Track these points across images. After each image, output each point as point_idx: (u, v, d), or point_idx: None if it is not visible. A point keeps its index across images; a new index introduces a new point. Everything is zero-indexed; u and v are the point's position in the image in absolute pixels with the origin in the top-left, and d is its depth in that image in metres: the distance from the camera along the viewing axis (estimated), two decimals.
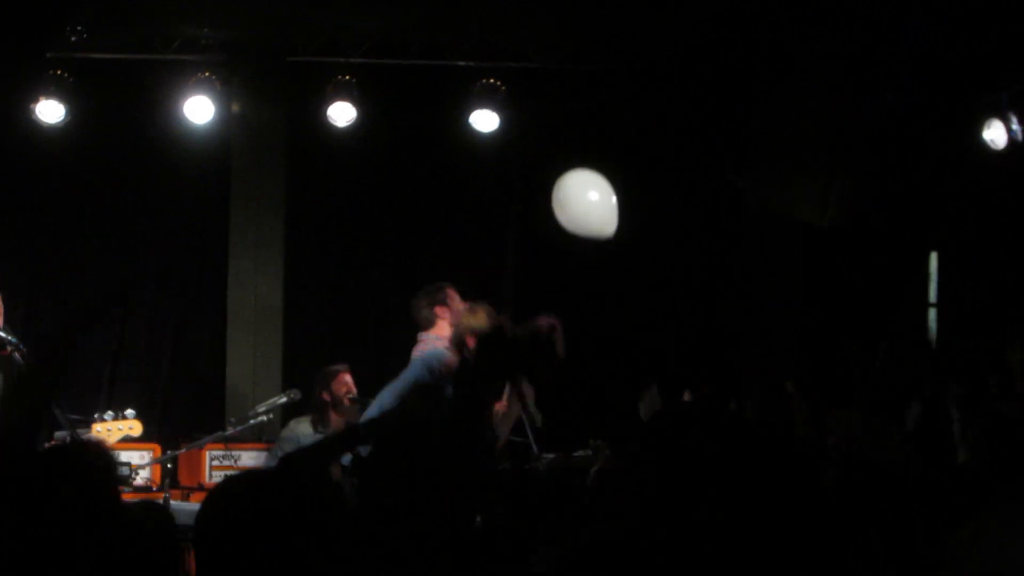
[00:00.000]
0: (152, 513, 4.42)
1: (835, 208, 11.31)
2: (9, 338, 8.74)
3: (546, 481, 7.62)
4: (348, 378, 9.91)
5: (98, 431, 9.15)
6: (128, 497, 8.22)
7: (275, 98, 11.73)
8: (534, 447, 8.36)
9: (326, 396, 9.90)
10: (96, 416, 9.24)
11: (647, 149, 11.80)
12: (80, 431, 9.00)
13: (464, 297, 9.09)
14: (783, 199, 11.51)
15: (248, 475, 4.38)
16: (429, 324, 9.19)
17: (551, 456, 8.33)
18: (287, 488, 3.75)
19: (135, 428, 9.32)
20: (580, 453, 8.43)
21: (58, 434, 9.68)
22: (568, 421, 9.39)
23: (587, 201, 8.80)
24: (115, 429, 9.23)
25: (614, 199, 8.73)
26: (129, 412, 9.34)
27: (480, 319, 8.56)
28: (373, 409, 8.37)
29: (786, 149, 11.37)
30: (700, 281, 12.03)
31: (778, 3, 10.27)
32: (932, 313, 12.09)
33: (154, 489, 9.71)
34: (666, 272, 11.96)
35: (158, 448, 10.34)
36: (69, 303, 11.68)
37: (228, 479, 4.16)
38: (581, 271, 11.80)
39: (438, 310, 9.38)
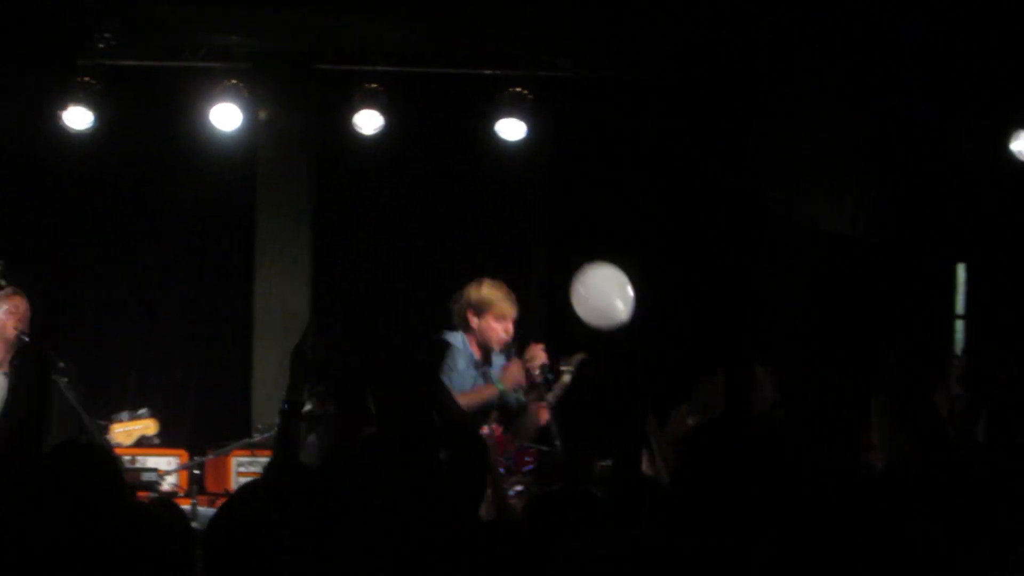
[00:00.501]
0: (166, 511, 4.43)
1: (860, 219, 11.29)
2: None
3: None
4: None
5: (117, 432, 9.18)
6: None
7: (302, 106, 11.75)
8: (558, 444, 8.40)
9: None
10: (113, 417, 9.28)
11: (671, 157, 11.80)
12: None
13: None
14: (807, 209, 11.48)
15: (256, 484, 4.41)
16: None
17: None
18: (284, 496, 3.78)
19: (150, 427, 9.36)
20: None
21: (84, 438, 9.72)
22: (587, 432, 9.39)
23: (605, 300, 8.98)
24: (132, 430, 9.26)
25: (630, 295, 8.89)
26: (142, 411, 9.37)
27: (486, 295, 8.59)
28: None
29: (810, 159, 11.35)
30: (721, 293, 11.98)
31: (802, 11, 10.25)
32: (959, 325, 12.03)
33: (181, 495, 9.73)
34: (687, 283, 11.93)
35: (185, 454, 10.35)
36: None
37: (243, 487, 4.18)
38: None
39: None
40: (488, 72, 11.45)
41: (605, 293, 9.08)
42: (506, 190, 12.12)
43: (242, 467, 10.35)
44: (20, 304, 8.82)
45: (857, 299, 11.52)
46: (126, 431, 9.21)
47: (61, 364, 8.78)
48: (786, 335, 11.53)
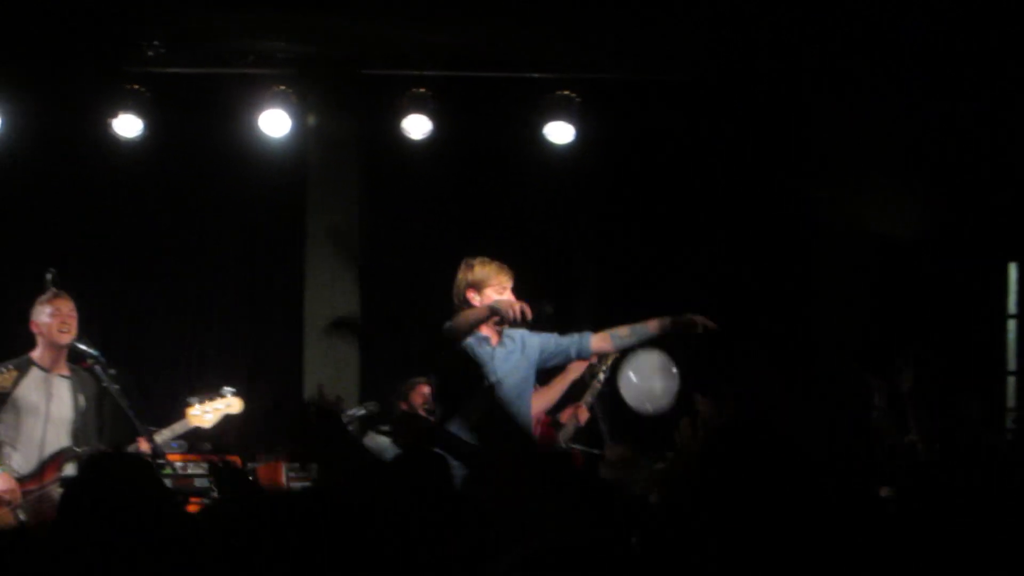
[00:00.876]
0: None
1: (910, 220, 11.23)
2: (89, 351, 8.82)
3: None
4: (426, 390, 9.93)
5: (194, 414, 9.18)
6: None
7: (350, 111, 11.77)
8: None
9: (404, 407, 9.94)
10: (190, 400, 9.27)
11: (719, 160, 11.78)
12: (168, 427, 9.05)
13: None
14: (856, 211, 11.44)
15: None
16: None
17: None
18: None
19: (233, 405, 9.32)
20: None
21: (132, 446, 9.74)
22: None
23: (651, 385, 9.01)
24: (212, 410, 9.24)
25: (675, 383, 8.92)
26: (227, 389, 9.36)
27: (479, 273, 8.55)
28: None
29: (858, 160, 11.30)
30: (770, 294, 11.94)
31: (849, 13, 10.21)
32: (1012, 325, 11.96)
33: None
34: (738, 285, 11.90)
35: (238, 460, 10.39)
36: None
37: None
38: (654, 283, 11.79)
39: (402, 405, 9.64)
40: (536, 75, 11.45)
41: (651, 379, 9.09)
42: (554, 193, 12.11)
43: (294, 472, 10.39)
44: (63, 306, 8.86)
45: (907, 301, 11.47)
46: (203, 412, 9.16)
47: (112, 371, 8.82)
48: (835, 337, 11.49)
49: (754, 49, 10.96)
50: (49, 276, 9.11)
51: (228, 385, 9.23)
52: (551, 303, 8.26)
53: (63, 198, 11.69)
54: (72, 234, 11.66)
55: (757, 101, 11.55)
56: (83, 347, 8.85)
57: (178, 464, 9.78)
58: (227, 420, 9.30)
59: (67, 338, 8.87)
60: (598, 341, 8.39)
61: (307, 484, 10.12)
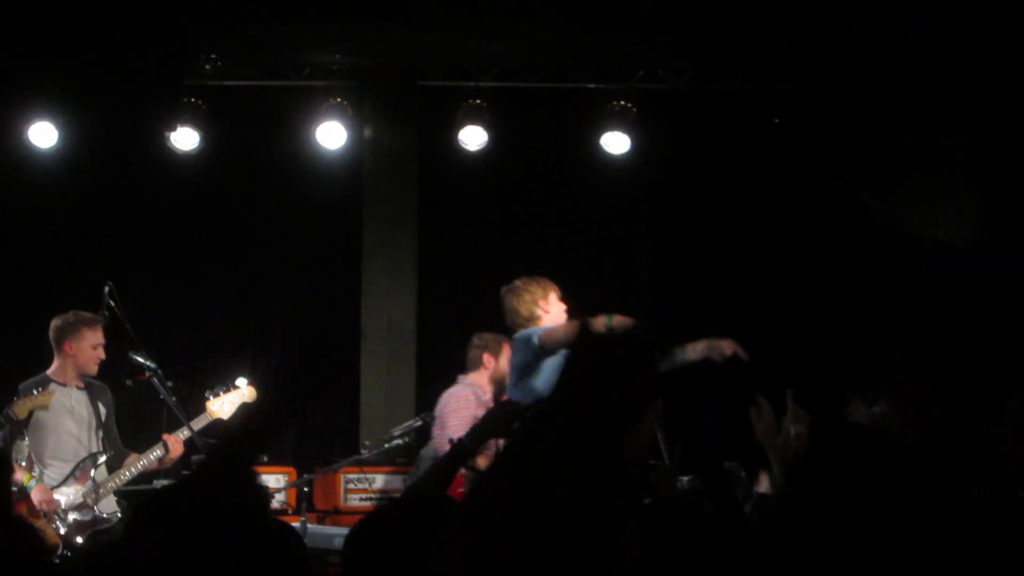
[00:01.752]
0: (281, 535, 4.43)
1: (972, 225, 11.13)
2: (147, 363, 8.88)
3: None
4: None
5: (213, 409, 9.23)
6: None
7: (406, 122, 11.78)
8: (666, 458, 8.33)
9: (489, 360, 9.89)
10: (207, 395, 9.33)
11: (776, 167, 11.72)
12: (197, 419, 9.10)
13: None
14: (915, 216, 11.34)
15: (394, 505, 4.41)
16: (474, 365, 9.45)
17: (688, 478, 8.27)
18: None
19: (248, 394, 9.39)
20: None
21: (195, 458, 9.79)
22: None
23: None
24: (228, 402, 9.30)
25: None
26: (240, 380, 9.42)
27: (541, 287, 8.66)
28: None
29: (918, 165, 11.21)
30: (826, 301, 11.86)
31: (905, 18, 10.14)
32: None
33: (290, 512, 9.78)
34: (795, 292, 11.83)
35: (294, 471, 10.42)
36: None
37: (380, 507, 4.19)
38: (712, 290, 11.74)
39: (486, 357, 9.61)
40: (592, 86, 11.42)
41: None
42: (610, 204, 12.07)
43: (351, 484, 10.41)
44: (102, 336, 8.99)
45: (963, 306, 11.36)
46: (221, 405, 9.22)
47: (169, 384, 8.88)
48: (893, 343, 11.41)
49: (808, 55, 10.91)
50: (107, 289, 9.16)
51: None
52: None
53: (120, 211, 11.75)
54: (129, 247, 11.72)
55: (812, 107, 11.48)
56: (140, 360, 8.91)
57: None
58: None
59: (95, 370, 9.05)
60: None
61: (364, 496, 10.16)
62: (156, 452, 8.96)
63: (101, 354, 9.06)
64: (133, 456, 9.07)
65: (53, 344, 9.16)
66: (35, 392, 8.69)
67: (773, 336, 11.52)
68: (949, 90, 10.76)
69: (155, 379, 8.87)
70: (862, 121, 11.39)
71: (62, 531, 8.68)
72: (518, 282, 8.84)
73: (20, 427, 8.66)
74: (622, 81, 11.38)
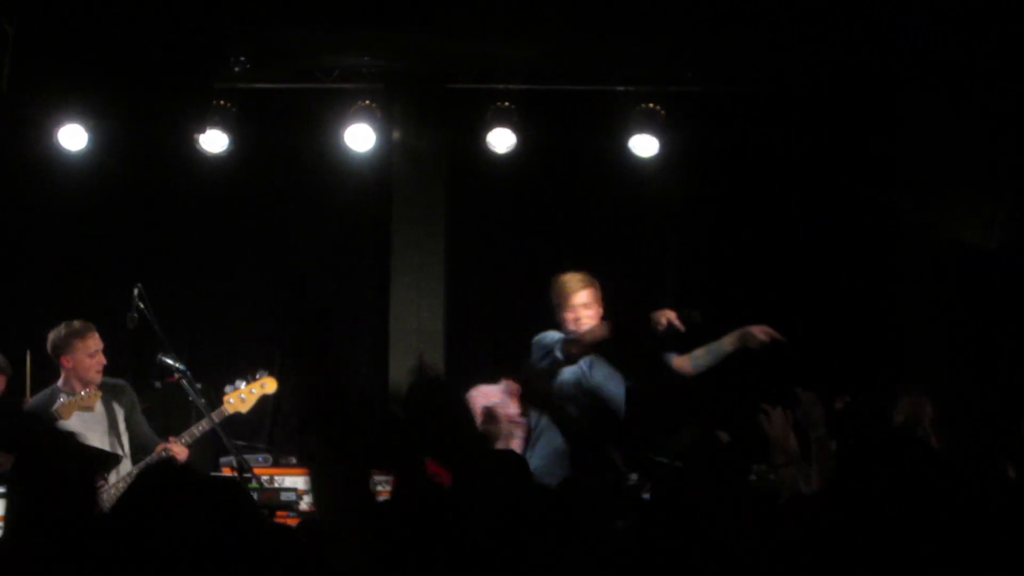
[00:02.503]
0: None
1: (1001, 229, 11.09)
2: (176, 365, 8.89)
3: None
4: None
5: (231, 403, 9.24)
6: (293, 522, 8.29)
7: (435, 125, 11.77)
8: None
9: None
10: (227, 389, 9.33)
11: (806, 170, 11.68)
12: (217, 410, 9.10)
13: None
14: (944, 220, 11.31)
15: None
16: None
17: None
18: None
19: (268, 385, 9.39)
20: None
21: (223, 460, 9.82)
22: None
23: None
24: (248, 394, 9.30)
25: None
26: (260, 371, 9.42)
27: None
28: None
29: (944, 168, 11.17)
30: (853, 305, 11.82)
31: (934, 20, 10.12)
32: None
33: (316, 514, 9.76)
34: (822, 299, 11.79)
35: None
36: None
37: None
38: (740, 297, 11.71)
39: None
40: (620, 88, 11.41)
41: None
42: (639, 207, 12.06)
43: (377, 486, 10.39)
44: (99, 343, 8.96)
45: (994, 311, 11.32)
46: (242, 398, 9.22)
47: (198, 385, 8.89)
48: (924, 348, 11.37)
49: (837, 57, 10.87)
50: (136, 291, 9.18)
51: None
52: (697, 310, 8.44)
53: (149, 214, 11.78)
54: (158, 249, 11.75)
55: (841, 110, 11.44)
56: (170, 361, 8.91)
57: (264, 478, 9.83)
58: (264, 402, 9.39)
59: (99, 378, 8.99)
60: (679, 361, 8.56)
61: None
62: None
63: (101, 359, 8.99)
64: (160, 446, 9.01)
65: (52, 359, 9.14)
66: (63, 399, 8.71)
67: (800, 337, 11.51)
68: (973, 90, 10.74)
69: (184, 381, 8.88)
70: (890, 123, 11.36)
71: None
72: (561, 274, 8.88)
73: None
74: (650, 84, 11.37)
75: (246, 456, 9.39)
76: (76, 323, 9.05)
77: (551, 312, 9.16)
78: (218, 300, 12.05)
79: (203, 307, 11.98)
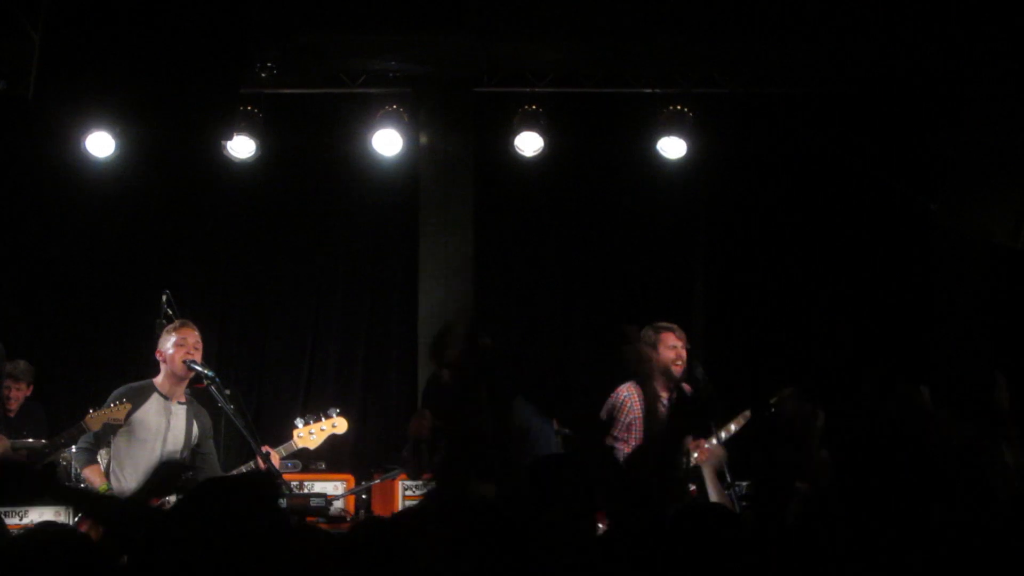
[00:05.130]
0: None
1: None
2: (205, 371, 8.86)
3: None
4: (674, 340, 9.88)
5: (300, 436, 9.24)
6: (323, 527, 8.29)
7: (462, 129, 11.77)
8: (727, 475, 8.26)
9: (654, 355, 9.83)
10: (296, 423, 9.34)
11: (836, 171, 11.64)
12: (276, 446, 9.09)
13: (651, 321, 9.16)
14: (976, 221, 11.24)
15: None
16: None
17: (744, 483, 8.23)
18: None
19: (339, 425, 9.40)
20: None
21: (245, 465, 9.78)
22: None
23: None
24: (317, 431, 9.30)
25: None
26: (333, 410, 9.42)
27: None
28: None
29: (979, 170, 11.11)
30: (888, 304, 11.77)
31: (967, 22, 10.06)
32: None
33: (349, 519, 9.77)
34: (855, 297, 11.76)
35: (352, 479, 10.43)
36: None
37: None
38: (769, 297, 11.68)
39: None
40: (648, 91, 11.39)
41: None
42: (667, 208, 12.03)
43: (408, 491, 10.38)
44: (189, 336, 8.85)
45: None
46: (308, 434, 9.23)
47: (227, 391, 8.85)
48: (955, 346, 11.33)
49: (868, 59, 10.83)
50: (164, 297, 9.18)
51: (341, 402, 9.25)
52: (701, 367, 8.51)
53: (177, 219, 11.80)
54: (186, 255, 11.77)
55: (873, 111, 11.41)
56: (199, 368, 8.88)
57: (293, 484, 9.83)
58: (334, 440, 9.38)
59: (183, 368, 8.90)
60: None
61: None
62: None
63: (186, 352, 8.86)
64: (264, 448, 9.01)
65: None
66: (117, 404, 8.69)
67: (828, 337, 11.49)
68: (1006, 91, 10.68)
69: (213, 387, 8.85)
70: (920, 123, 11.31)
71: None
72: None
73: (98, 438, 8.69)
74: (678, 86, 11.35)
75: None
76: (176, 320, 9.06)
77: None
78: (245, 305, 12.07)
79: (231, 312, 12.00)
